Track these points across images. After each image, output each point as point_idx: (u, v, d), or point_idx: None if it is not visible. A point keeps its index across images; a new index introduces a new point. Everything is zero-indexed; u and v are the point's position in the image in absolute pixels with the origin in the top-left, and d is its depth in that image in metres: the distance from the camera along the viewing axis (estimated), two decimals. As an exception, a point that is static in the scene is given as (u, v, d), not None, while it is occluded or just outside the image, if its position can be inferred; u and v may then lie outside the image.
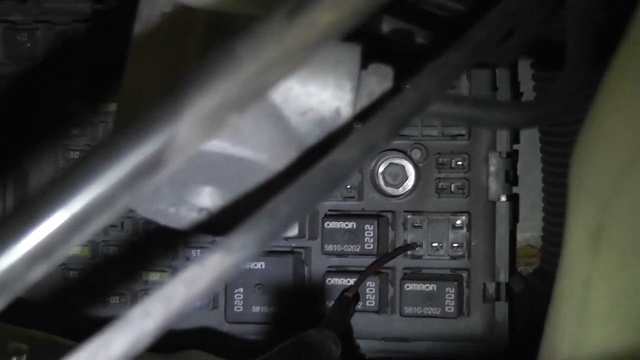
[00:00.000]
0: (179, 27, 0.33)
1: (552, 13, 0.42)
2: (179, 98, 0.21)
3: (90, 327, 0.22)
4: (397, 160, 0.59)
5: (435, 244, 0.59)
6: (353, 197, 0.60)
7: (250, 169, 0.33)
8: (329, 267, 0.60)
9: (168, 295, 0.22)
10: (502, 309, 0.59)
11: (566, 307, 0.27)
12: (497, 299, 0.59)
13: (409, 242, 0.59)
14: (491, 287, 0.59)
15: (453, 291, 0.58)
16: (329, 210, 0.60)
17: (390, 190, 0.59)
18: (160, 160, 0.21)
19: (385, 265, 0.59)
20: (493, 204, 0.59)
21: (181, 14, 0.33)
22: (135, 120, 0.21)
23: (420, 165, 0.59)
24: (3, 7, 0.61)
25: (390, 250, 0.59)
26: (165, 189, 0.35)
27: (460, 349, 0.59)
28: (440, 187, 0.59)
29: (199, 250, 0.61)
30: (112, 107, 0.61)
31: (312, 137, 0.34)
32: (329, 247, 0.59)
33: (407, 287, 0.58)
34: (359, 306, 0.58)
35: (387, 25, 0.49)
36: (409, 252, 0.59)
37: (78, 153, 0.62)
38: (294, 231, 0.58)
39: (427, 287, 0.58)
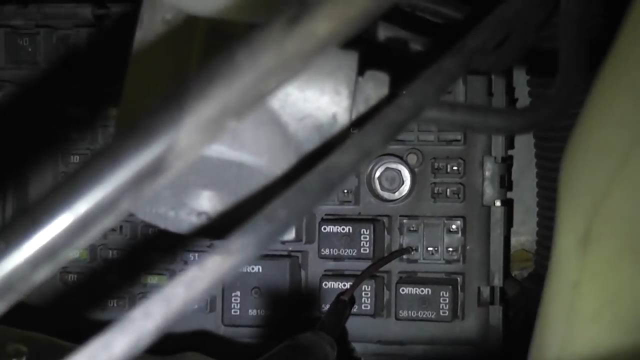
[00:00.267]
0: (180, 34, 0.34)
1: (546, 20, 0.42)
2: (179, 105, 0.22)
3: (89, 330, 0.23)
4: (393, 165, 0.60)
5: (430, 248, 0.59)
6: (350, 202, 0.60)
7: (249, 173, 0.34)
8: (325, 270, 0.60)
9: (168, 296, 0.23)
10: (496, 312, 0.59)
11: (555, 309, 0.28)
12: (492, 302, 0.59)
13: (404, 246, 0.60)
14: (486, 291, 0.59)
15: (448, 295, 0.58)
16: (326, 215, 0.60)
17: (386, 194, 0.60)
18: (162, 165, 0.22)
19: (381, 269, 0.59)
20: (488, 208, 0.59)
21: (182, 21, 0.33)
22: (137, 126, 0.22)
23: (416, 170, 0.60)
24: (5, 11, 0.62)
25: (386, 254, 0.60)
26: (165, 193, 0.36)
27: (454, 352, 0.60)
28: (435, 191, 0.60)
29: (197, 254, 0.61)
30: (113, 111, 0.61)
31: (310, 142, 0.35)
32: (326, 251, 0.59)
33: (403, 290, 0.59)
34: (355, 309, 0.58)
35: (383, 33, 0.50)
36: (404, 256, 0.60)
37: (78, 157, 0.62)
38: (291, 235, 0.59)
39: (422, 291, 0.58)
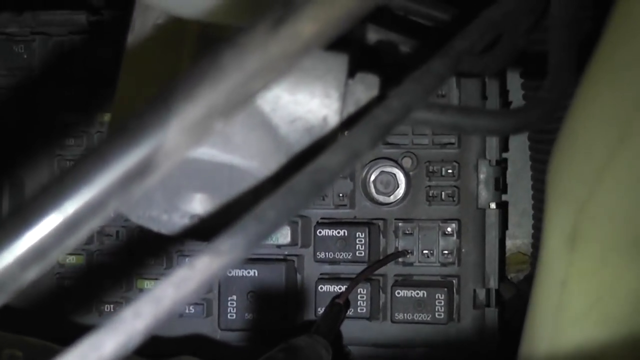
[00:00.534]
0: (171, 38, 0.34)
1: (537, 23, 0.43)
2: (166, 106, 0.22)
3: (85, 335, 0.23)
4: (388, 169, 0.60)
5: (425, 251, 0.59)
6: (345, 205, 0.61)
7: (240, 175, 0.34)
8: (321, 274, 0.61)
9: (158, 296, 0.23)
10: (492, 315, 0.59)
11: (543, 307, 0.28)
12: (487, 305, 0.59)
13: (400, 249, 0.60)
14: (481, 294, 0.59)
15: (443, 298, 0.58)
16: (321, 218, 0.61)
17: (381, 198, 0.60)
18: (149, 165, 0.22)
19: (376, 272, 0.59)
20: (483, 211, 0.60)
21: (173, 25, 0.34)
22: (125, 128, 0.22)
23: (411, 173, 0.60)
24: (0, 19, 0.62)
25: (381, 258, 0.60)
26: (158, 196, 0.36)
27: (450, 355, 0.60)
28: (430, 194, 0.60)
29: (192, 259, 0.62)
30: (108, 117, 0.62)
31: (300, 144, 0.35)
32: (321, 255, 0.60)
33: (398, 293, 0.59)
34: (351, 313, 0.58)
35: (373, 35, 0.50)
36: (400, 259, 0.60)
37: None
38: (286, 239, 0.59)
39: (418, 294, 0.59)
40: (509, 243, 0.67)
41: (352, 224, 0.60)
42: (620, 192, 0.26)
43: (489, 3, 0.36)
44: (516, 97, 0.62)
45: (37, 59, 0.62)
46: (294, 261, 0.61)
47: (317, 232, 0.60)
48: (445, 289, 0.58)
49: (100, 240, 0.62)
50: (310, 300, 0.60)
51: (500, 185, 0.60)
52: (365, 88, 0.35)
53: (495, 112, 0.46)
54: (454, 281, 0.59)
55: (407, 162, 0.60)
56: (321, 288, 0.60)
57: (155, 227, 0.37)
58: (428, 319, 0.58)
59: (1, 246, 0.21)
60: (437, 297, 0.58)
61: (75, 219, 0.22)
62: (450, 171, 0.60)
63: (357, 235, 0.59)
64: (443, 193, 0.60)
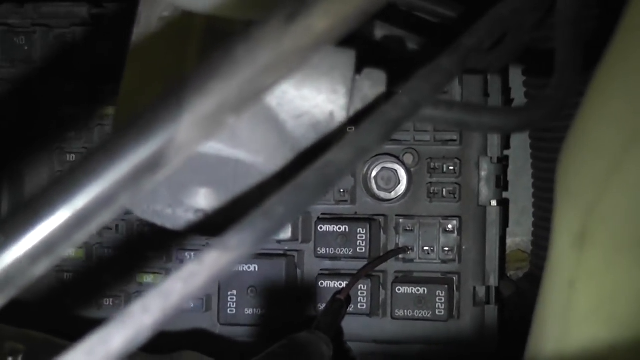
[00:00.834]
0: (178, 31, 0.34)
1: (543, 20, 0.43)
2: (178, 100, 0.22)
3: (85, 328, 0.23)
4: (389, 165, 0.60)
5: (426, 248, 0.59)
6: (346, 201, 0.60)
7: (246, 171, 0.34)
8: (321, 270, 0.60)
9: (166, 291, 0.23)
10: (491, 312, 0.59)
11: (551, 307, 0.28)
12: (487, 302, 0.59)
13: (400, 245, 0.60)
14: (481, 291, 0.59)
15: (443, 294, 0.58)
16: (322, 214, 0.60)
17: (382, 194, 0.60)
18: (160, 160, 0.22)
19: (377, 268, 0.59)
20: (484, 208, 0.59)
21: (180, 18, 0.34)
22: (136, 121, 0.22)
23: (412, 169, 0.60)
24: (1, 10, 0.62)
25: (382, 254, 0.60)
26: (163, 191, 0.36)
27: (450, 351, 0.60)
28: (431, 191, 0.60)
29: (192, 253, 0.61)
30: (109, 110, 0.61)
31: (307, 140, 0.35)
32: (322, 250, 0.60)
33: (399, 290, 0.59)
34: (351, 309, 0.58)
35: (380, 32, 0.50)
36: (400, 256, 0.60)
37: (74, 156, 0.62)
38: (287, 234, 0.59)
39: (418, 291, 0.59)
40: (508, 241, 0.67)
41: (353, 219, 0.60)
42: (630, 193, 0.26)
43: (494, 0, 0.36)
44: (518, 94, 0.62)
45: (38, 51, 0.62)
46: (294, 256, 0.61)
47: (318, 227, 0.60)
48: (446, 286, 0.58)
49: (100, 234, 0.62)
50: (310, 295, 0.60)
51: (501, 183, 0.60)
52: (372, 84, 0.35)
53: (501, 110, 0.46)
54: (454, 278, 0.59)
55: (408, 159, 0.60)
56: (321, 284, 0.60)
57: (159, 222, 0.37)
58: (428, 315, 0.58)
59: (11, 240, 0.21)
60: (437, 294, 0.58)
61: (85, 213, 0.22)
62: (451, 168, 0.59)
63: (357, 231, 0.59)
64: (444, 190, 0.60)
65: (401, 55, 0.50)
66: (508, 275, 0.67)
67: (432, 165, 0.60)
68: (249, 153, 0.33)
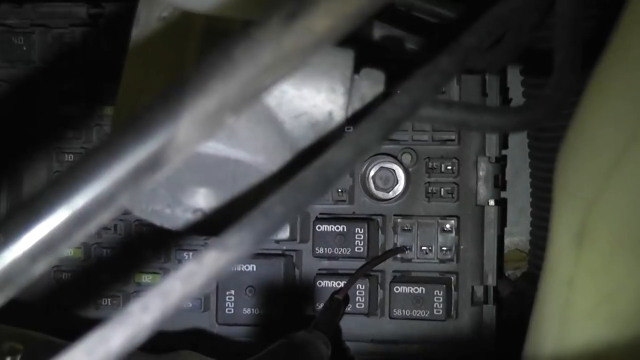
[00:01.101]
0: (177, 31, 0.34)
1: (542, 20, 0.43)
2: (178, 100, 0.22)
3: (83, 328, 0.23)
4: (387, 165, 0.60)
5: (424, 248, 0.60)
6: (344, 201, 0.60)
7: (245, 170, 0.34)
8: (319, 269, 0.61)
9: (165, 290, 0.23)
10: (489, 312, 0.59)
11: (550, 306, 0.28)
12: (485, 302, 0.59)
13: (398, 245, 0.60)
14: (479, 291, 0.59)
15: (442, 294, 0.58)
16: (320, 214, 0.61)
17: (380, 194, 0.60)
18: (160, 159, 0.22)
19: (375, 268, 0.59)
20: (482, 208, 0.60)
21: (179, 18, 0.34)
22: (135, 121, 0.22)
23: (410, 169, 0.60)
24: (0, 10, 0.62)
25: (380, 254, 0.60)
26: (161, 190, 0.36)
27: (448, 351, 0.60)
28: (429, 191, 0.60)
29: (190, 253, 0.62)
30: (107, 110, 0.61)
31: (305, 139, 0.35)
32: (320, 250, 0.60)
33: (397, 289, 0.59)
34: (349, 308, 0.58)
35: (379, 32, 0.50)
36: (398, 255, 0.60)
37: (72, 156, 0.62)
38: (285, 234, 0.59)
39: (416, 290, 0.59)
40: (506, 240, 0.67)
41: (351, 219, 0.60)
42: (629, 191, 0.26)
43: (493, 0, 0.36)
44: (516, 94, 0.62)
45: (37, 51, 0.62)
46: (292, 256, 0.61)
47: (316, 227, 0.60)
48: (444, 286, 0.58)
49: (98, 234, 0.62)
50: (308, 295, 0.60)
51: (499, 183, 0.60)
52: (371, 84, 0.35)
53: (500, 109, 0.46)
54: (452, 278, 0.59)
55: (406, 158, 0.60)
56: (320, 283, 0.60)
57: (158, 222, 0.37)
58: (426, 315, 0.58)
59: (11, 240, 0.21)
60: (435, 293, 0.58)
61: (85, 212, 0.22)
62: (449, 168, 0.60)
63: (356, 231, 0.59)
64: (442, 189, 0.60)
65: (400, 55, 0.50)
66: (506, 274, 0.67)
67: (430, 164, 0.60)
68: (248, 153, 0.33)
